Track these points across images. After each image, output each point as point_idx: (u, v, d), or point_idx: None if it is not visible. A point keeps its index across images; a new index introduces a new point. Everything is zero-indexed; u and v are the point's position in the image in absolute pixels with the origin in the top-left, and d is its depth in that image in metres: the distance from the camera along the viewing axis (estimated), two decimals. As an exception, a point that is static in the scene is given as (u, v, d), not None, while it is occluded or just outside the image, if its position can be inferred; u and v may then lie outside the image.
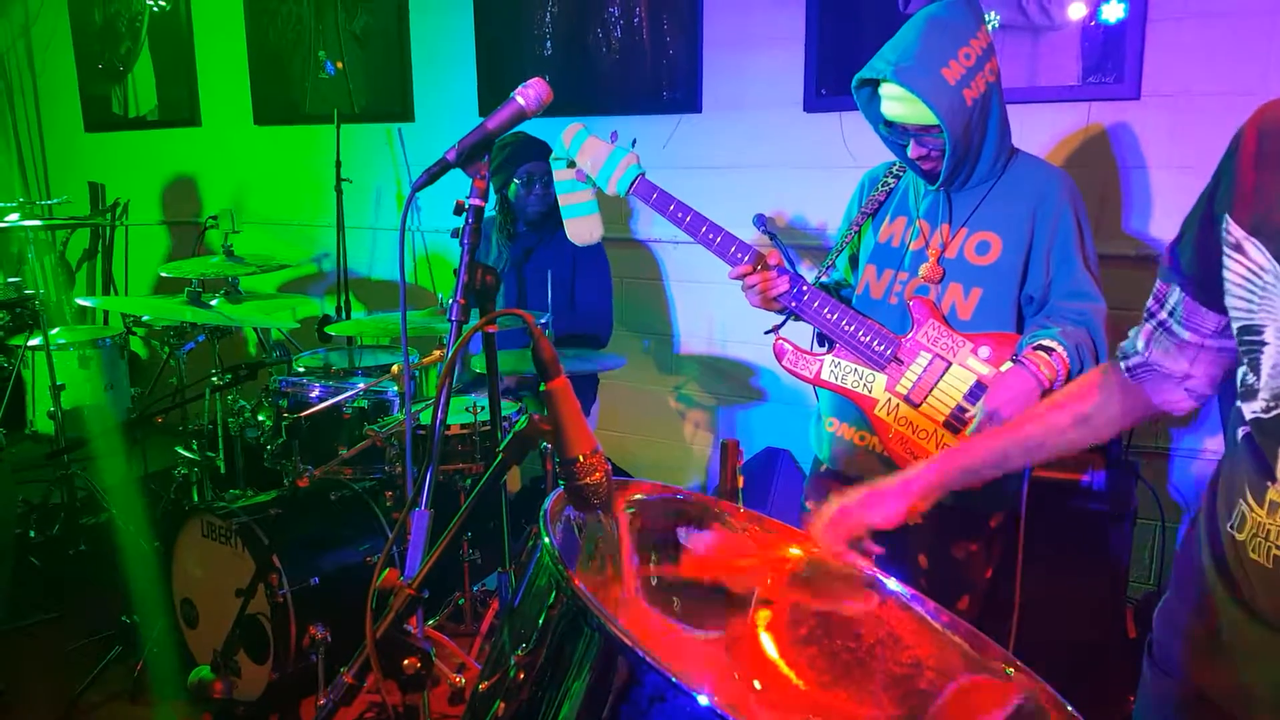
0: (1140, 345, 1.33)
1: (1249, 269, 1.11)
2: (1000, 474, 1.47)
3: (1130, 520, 2.73)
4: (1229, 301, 1.15)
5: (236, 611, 2.63)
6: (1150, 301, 1.30)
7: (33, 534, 3.89)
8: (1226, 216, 1.14)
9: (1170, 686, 1.28)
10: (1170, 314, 1.27)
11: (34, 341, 4.09)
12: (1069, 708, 1.25)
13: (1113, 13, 3.04)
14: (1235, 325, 1.15)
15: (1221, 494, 1.20)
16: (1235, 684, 1.19)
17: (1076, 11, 3.08)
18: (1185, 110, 3.01)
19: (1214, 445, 3.13)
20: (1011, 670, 1.32)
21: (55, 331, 4.28)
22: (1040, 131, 3.19)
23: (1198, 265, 1.21)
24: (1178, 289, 1.26)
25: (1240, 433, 1.16)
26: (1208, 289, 1.19)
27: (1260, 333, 1.11)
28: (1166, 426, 3.18)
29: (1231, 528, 1.16)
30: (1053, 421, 1.41)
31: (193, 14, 5.14)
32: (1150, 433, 3.18)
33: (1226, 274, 1.14)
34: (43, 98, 5.91)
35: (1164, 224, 3.10)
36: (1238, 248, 1.12)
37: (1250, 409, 1.13)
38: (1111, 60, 3.06)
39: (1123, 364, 1.35)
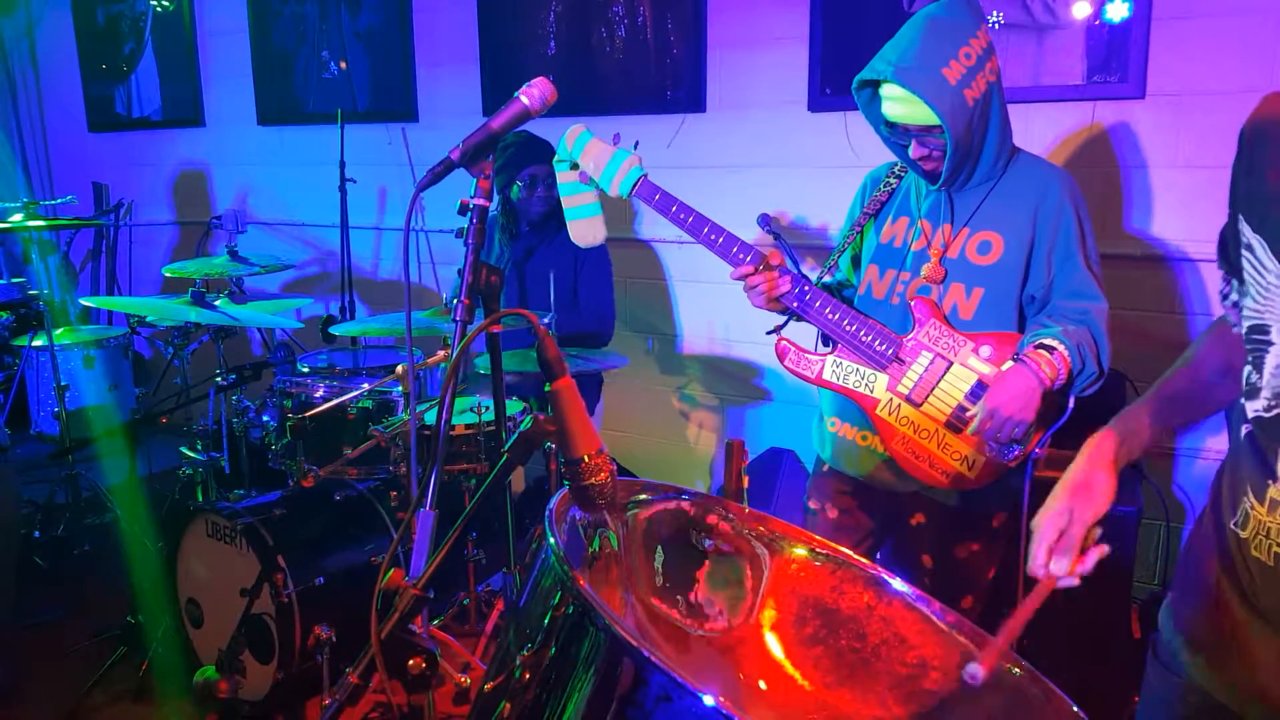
0: (1232, 318, 1.28)
1: (1257, 268, 1.10)
2: (1163, 436, 1.41)
3: (1135, 519, 2.73)
4: (1243, 300, 1.14)
5: (241, 611, 2.63)
6: (1221, 283, 1.27)
7: (37, 534, 3.90)
8: (1240, 216, 1.13)
9: (1175, 684, 1.28)
10: (1237, 293, 1.24)
11: (38, 342, 4.10)
12: (1074, 708, 1.25)
13: (1117, 12, 3.04)
14: (1245, 324, 1.15)
15: (1225, 492, 1.20)
16: (1240, 682, 1.19)
17: (1081, 10, 3.08)
18: (1190, 110, 3.00)
19: (1217, 445, 3.13)
20: (1017, 670, 1.32)
21: (59, 332, 4.29)
22: (1044, 131, 3.19)
23: (1232, 260, 1.20)
24: (1233, 278, 1.24)
25: (1243, 431, 1.16)
26: (1240, 279, 1.18)
27: (1267, 332, 1.11)
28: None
29: (1235, 525, 1.16)
30: (1200, 375, 1.38)
31: (196, 14, 5.15)
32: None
33: (1245, 273, 1.14)
34: (46, 98, 5.92)
35: (1167, 223, 3.10)
36: (1249, 247, 1.12)
37: (1253, 407, 1.13)
38: (1116, 59, 3.06)
39: (1234, 330, 1.29)
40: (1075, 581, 1.33)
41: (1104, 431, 1.40)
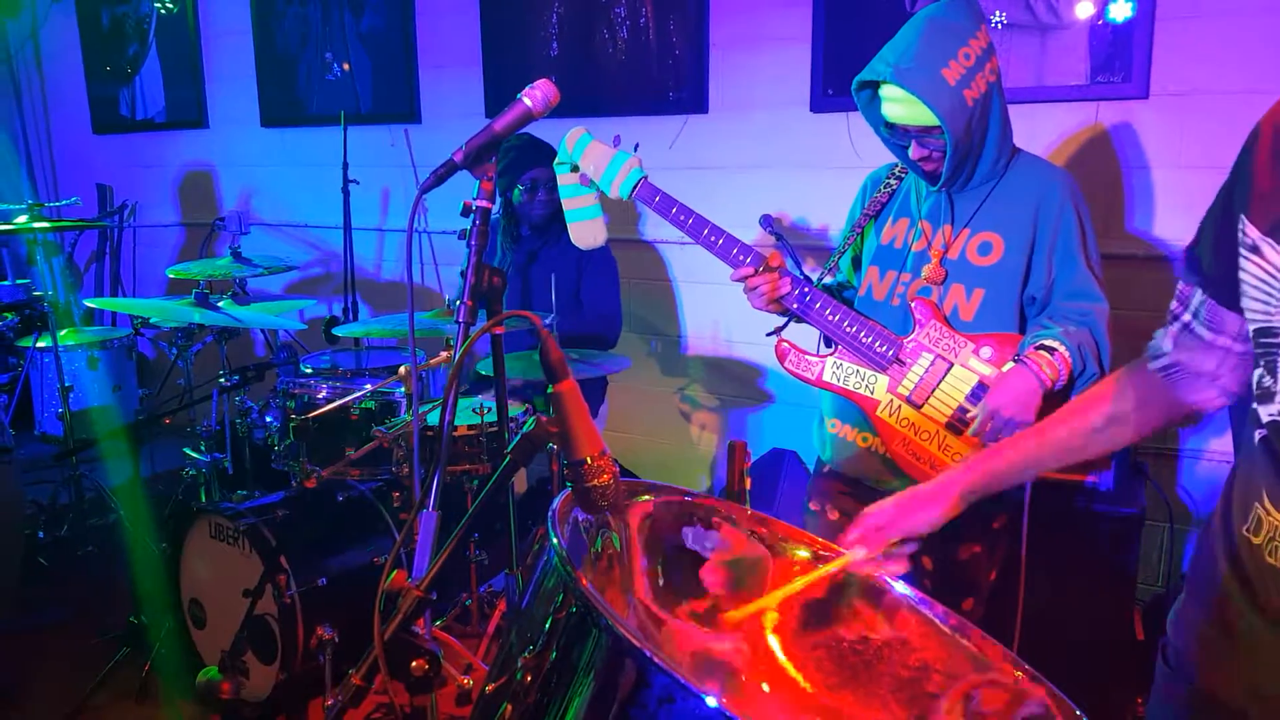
0: (1167, 346, 1.30)
1: (1266, 271, 1.09)
2: (1032, 478, 1.47)
3: (1138, 522, 2.72)
4: (1245, 303, 1.13)
5: (244, 612, 2.63)
6: (1174, 303, 1.28)
7: (41, 535, 3.91)
8: (1243, 217, 1.12)
9: (1184, 691, 1.27)
10: (1194, 315, 1.25)
11: (42, 343, 4.10)
12: (1076, 711, 1.25)
13: (1121, 11, 3.04)
14: (1251, 327, 1.14)
15: (1237, 497, 1.20)
16: (1251, 689, 1.18)
17: (1084, 10, 3.08)
18: (1194, 110, 3.00)
19: (1220, 446, 3.13)
20: (1020, 673, 1.32)
21: (63, 333, 4.29)
22: (1047, 131, 3.19)
23: (1217, 266, 1.18)
24: (1199, 290, 1.23)
25: (1257, 435, 1.15)
26: (1229, 290, 1.17)
27: (1278, 335, 1.09)
28: (1174, 428, 3.17)
29: (1247, 531, 1.16)
30: (1084, 422, 1.40)
31: (200, 16, 5.16)
32: (1158, 433, 3.17)
33: (1243, 275, 1.12)
34: (51, 99, 5.94)
35: (1170, 224, 3.10)
36: (1254, 249, 1.10)
37: (1268, 411, 1.12)
38: (1120, 59, 3.06)
39: (1152, 364, 1.33)
40: (868, 569, 1.47)
41: (966, 462, 1.50)
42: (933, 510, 1.45)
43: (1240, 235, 1.12)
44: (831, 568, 1.44)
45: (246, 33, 4.96)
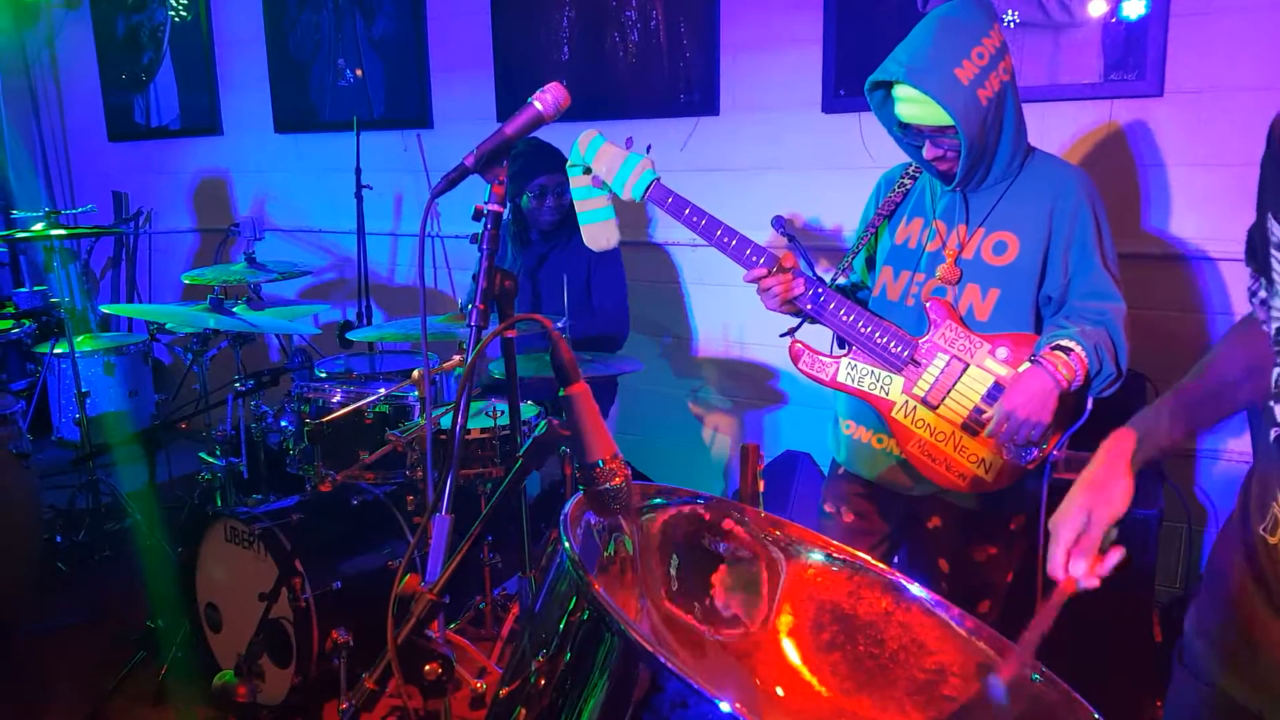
0: (1261, 315, 1.26)
1: None
2: (1189, 436, 1.38)
3: (1156, 522, 2.70)
4: (1273, 301, 1.12)
5: (260, 616, 2.64)
6: (1249, 280, 1.25)
7: (59, 539, 3.93)
8: (1270, 215, 1.11)
9: (1202, 692, 1.26)
10: (1268, 291, 1.21)
11: (59, 349, 4.13)
12: (1095, 714, 1.24)
13: (1134, 9, 3.02)
14: (1274, 325, 1.13)
15: (1254, 496, 1.19)
16: (1269, 690, 1.17)
17: (1097, 8, 3.06)
18: (1209, 107, 2.98)
19: (1239, 446, 3.10)
20: (1037, 676, 1.31)
21: (80, 339, 4.32)
22: (1061, 129, 3.17)
23: (1260, 259, 1.17)
24: (1261, 276, 1.21)
25: (1272, 434, 1.14)
26: (1270, 279, 1.16)
27: None
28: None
29: (1264, 530, 1.15)
30: (1225, 374, 1.35)
31: (213, 23, 5.19)
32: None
33: (1274, 274, 1.11)
34: (67, 108, 5.98)
35: (1186, 222, 3.07)
36: None
37: None
38: (1134, 57, 3.04)
39: (1264, 326, 1.26)
40: (1095, 583, 1.32)
41: (1122, 431, 1.38)
42: (1123, 484, 1.34)
43: (1270, 234, 1.11)
44: (1063, 597, 1.31)
45: (259, 39, 4.99)
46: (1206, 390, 1.37)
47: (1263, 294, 1.21)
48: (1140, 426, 1.38)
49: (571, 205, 2.41)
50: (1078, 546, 1.32)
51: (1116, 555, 1.32)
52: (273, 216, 5.23)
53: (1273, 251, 1.11)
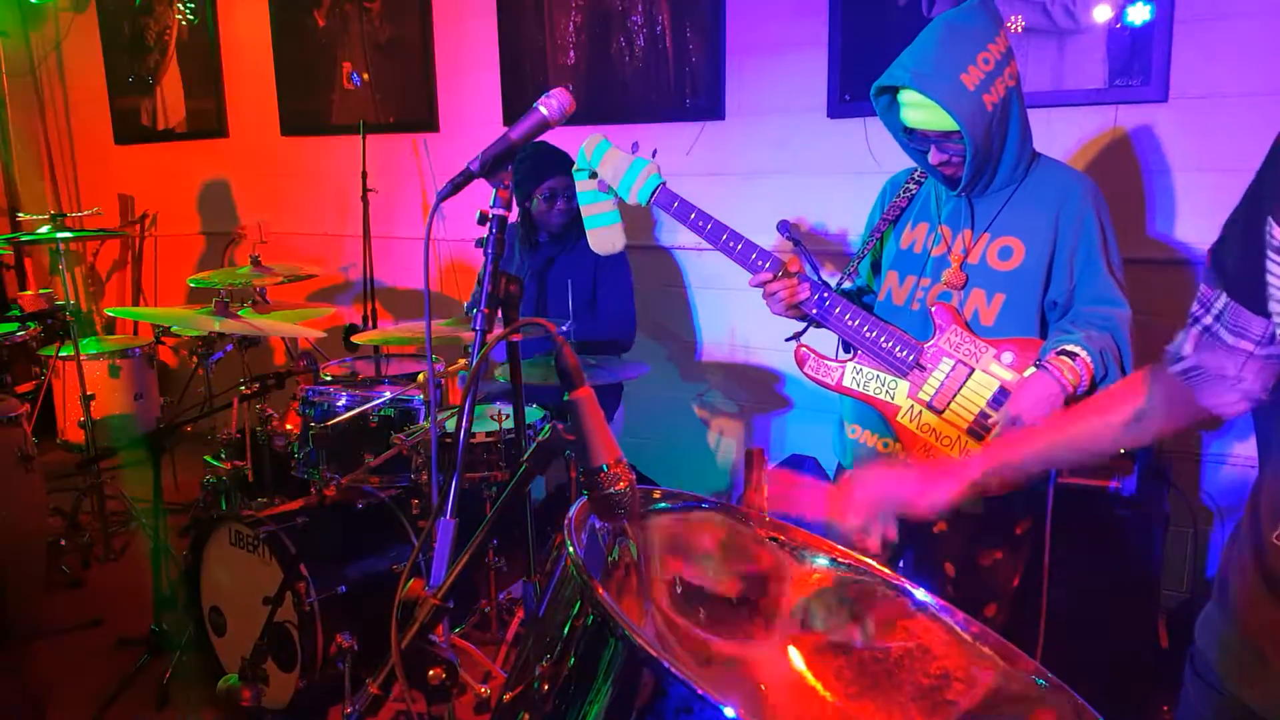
0: (1187, 349, 1.25)
1: None
2: (1044, 471, 1.44)
3: (1161, 527, 2.70)
4: (1272, 306, 1.11)
5: (264, 619, 2.64)
6: (1195, 306, 1.23)
7: (63, 542, 3.94)
8: (1270, 219, 1.10)
9: (1212, 698, 1.25)
10: (1216, 319, 1.21)
11: (65, 352, 4.14)
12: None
13: (1139, 14, 3.01)
14: (1279, 331, 1.12)
15: (1265, 501, 1.18)
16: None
17: (1102, 14, 3.06)
18: (1214, 112, 2.97)
19: (1244, 450, 3.09)
20: (1043, 681, 1.31)
21: (85, 342, 4.33)
22: (1066, 135, 3.17)
23: (1243, 269, 1.15)
24: (1223, 294, 1.20)
25: None
26: (1255, 293, 1.13)
27: None
28: (1196, 431, 3.14)
29: (1276, 538, 1.14)
30: (1101, 421, 1.37)
31: (220, 27, 5.20)
32: (1180, 437, 3.14)
33: (1270, 279, 1.10)
34: (73, 111, 6.00)
35: (1191, 228, 3.07)
36: None
37: None
38: (1138, 63, 3.04)
39: (1172, 367, 1.28)
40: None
41: (984, 453, 1.47)
42: (939, 492, 1.41)
43: (1268, 238, 1.10)
44: (821, 562, 1.41)
45: (266, 43, 5.00)
46: (1080, 430, 1.40)
47: (1206, 320, 1.20)
48: (1005, 454, 1.45)
49: (576, 208, 2.42)
50: (859, 507, 1.43)
51: (873, 543, 1.44)
52: (279, 219, 5.23)
53: (1270, 256, 1.10)
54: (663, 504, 1.42)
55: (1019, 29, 3.15)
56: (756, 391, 3.97)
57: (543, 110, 1.51)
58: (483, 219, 1.48)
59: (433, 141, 4.59)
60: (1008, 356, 2.08)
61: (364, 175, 4.44)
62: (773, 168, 3.76)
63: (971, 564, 2.24)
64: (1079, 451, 1.42)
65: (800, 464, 3.57)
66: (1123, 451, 2.54)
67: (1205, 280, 1.22)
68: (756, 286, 2.22)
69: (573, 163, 2.27)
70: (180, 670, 3.00)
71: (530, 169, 3.34)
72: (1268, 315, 1.12)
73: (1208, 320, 1.21)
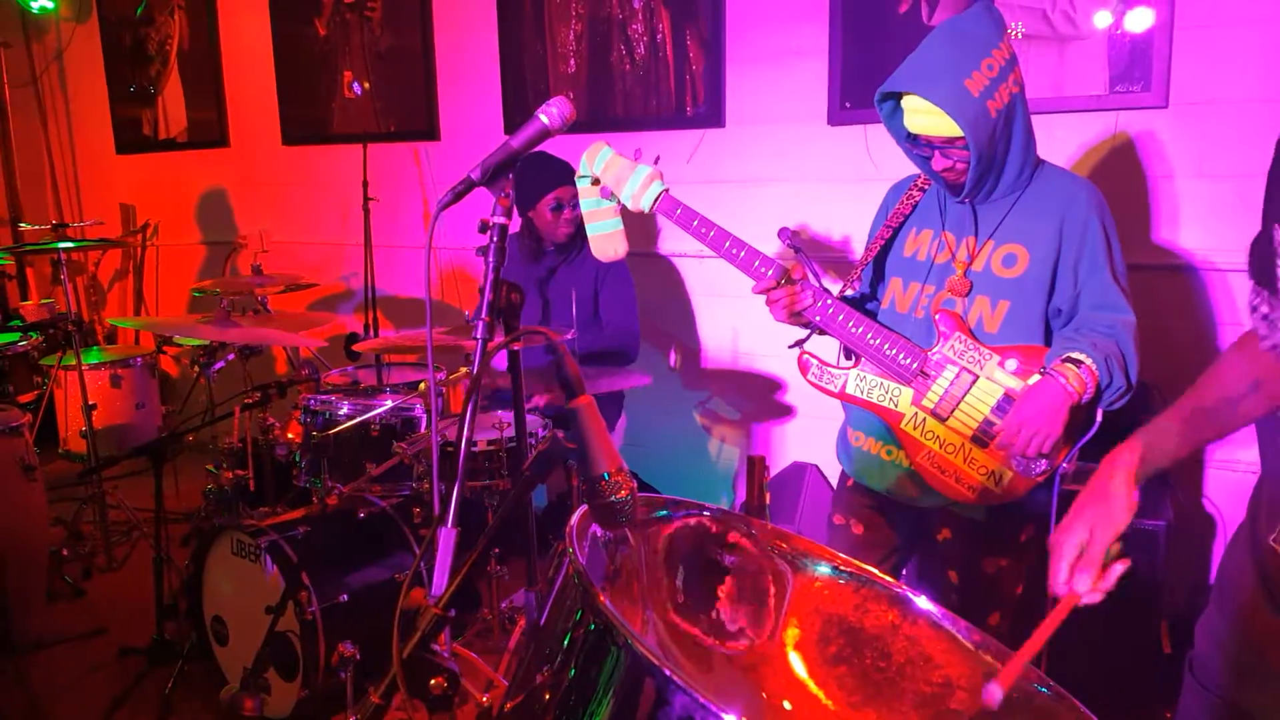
0: (1264, 331, 1.24)
1: None
2: (1194, 449, 1.38)
3: (1164, 533, 2.69)
4: (1276, 314, 1.12)
5: (266, 629, 2.64)
6: (1250, 295, 1.24)
7: (65, 551, 3.94)
8: (1275, 226, 1.11)
9: (1212, 703, 1.25)
10: (1270, 307, 1.21)
11: (67, 362, 4.14)
12: (1104, 727, 1.23)
13: (1139, 21, 3.02)
14: None
15: (1264, 506, 1.18)
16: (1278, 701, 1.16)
17: (1102, 20, 3.06)
18: (1214, 118, 2.98)
19: (1247, 457, 3.08)
20: (1046, 689, 1.30)
21: (87, 351, 4.33)
22: (1067, 141, 3.17)
23: (1263, 270, 1.16)
24: (1263, 289, 1.20)
25: None
26: (1274, 290, 1.15)
27: None
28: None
29: (1275, 541, 1.14)
30: (1225, 391, 1.33)
31: (221, 36, 5.22)
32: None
33: (1278, 284, 1.11)
34: (75, 120, 6.01)
35: (1194, 234, 3.07)
36: None
37: None
38: (1139, 69, 3.04)
39: (1262, 343, 1.26)
40: (1098, 598, 1.31)
41: (1127, 443, 1.38)
42: (1125, 497, 1.34)
43: (1275, 245, 1.11)
44: (1064, 612, 1.31)
45: (267, 53, 5.01)
46: (1208, 407, 1.36)
47: (1264, 309, 1.20)
48: (1145, 439, 1.37)
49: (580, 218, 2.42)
50: (1080, 562, 1.31)
51: (1120, 569, 1.31)
52: (280, 228, 5.24)
53: (1277, 262, 1.10)
54: (664, 512, 1.41)
55: (1020, 35, 3.15)
56: (758, 399, 3.96)
57: (543, 119, 1.51)
58: (484, 227, 1.48)
59: (434, 150, 4.59)
60: (1012, 364, 2.07)
61: (365, 184, 4.45)
62: (773, 175, 3.76)
63: (975, 572, 2.23)
64: (1221, 424, 1.36)
65: (802, 471, 3.57)
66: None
67: (1249, 272, 1.22)
68: (759, 293, 2.22)
69: (575, 172, 2.28)
70: (182, 680, 2.99)
71: (535, 179, 3.34)
72: None
73: (1265, 309, 1.20)
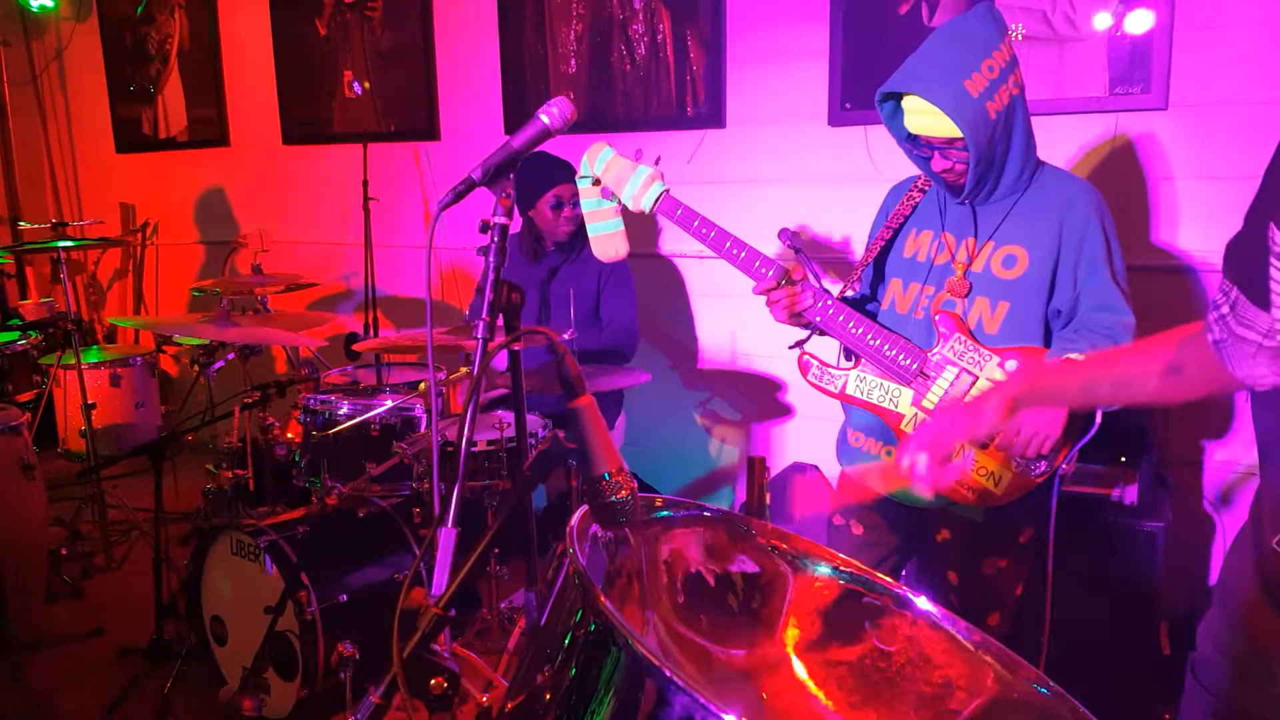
0: (1214, 329, 1.26)
1: None
2: (1083, 404, 1.45)
3: (1163, 535, 2.69)
4: (1274, 312, 1.12)
5: (266, 629, 2.64)
6: (1217, 293, 1.24)
7: (64, 551, 3.94)
8: (1271, 225, 1.11)
9: (1214, 705, 1.25)
10: (1231, 308, 1.22)
11: (66, 361, 4.14)
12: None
13: (1139, 23, 3.02)
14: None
15: (1267, 510, 1.18)
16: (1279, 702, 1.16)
17: (1102, 22, 3.07)
18: (1214, 120, 2.98)
19: (1247, 458, 3.09)
20: (1045, 690, 1.30)
21: (87, 351, 4.33)
22: (1067, 142, 3.17)
23: (1249, 266, 1.17)
24: (1235, 287, 1.21)
25: None
26: (1259, 291, 1.15)
27: None
28: (1199, 439, 3.14)
29: (1277, 544, 1.14)
30: (1144, 364, 1.36)
31: (221, 36, 5.22)
32: (1182, 445, 3.14)
33: (1272, 284, 1.11)
34: (75, 120, 6.01)
35: (1193, 235, 3.07)
36: None
37: None
38: (1139, 70, 3.04)
39: (1207, 334, 1.27)
40: (926, 491, 1.47)
41: (1019, 374, 1.48)
42: (988, 417, 1.44)
43: (1270, 243, 1.11)
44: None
45: (268, 52, 5.01)
46: (1120, 372, 1.41)
47: (1225, 309, 1.21)
48: (1043, 375, 1.51)
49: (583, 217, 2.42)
50: (932, 444, 1.45)
51: (955, 474, 1.45)
52: (280, 228, 5.24)
53: (1273, 261, 1.10)
54: (665, 512, 1.42)
55: (1020, 37, 3.15)
56: (758, 399, 3.96)
57: (544, 119, 1.51)
58: (485, 227, 1.48)
59: (434, 150, 4.59)
60: (1012, 365, 2.07)
61: (365, 184, 4.45)
62: (774, 176, 3.76)
63: (974, 572, 2.23)
64: (1118, 389, 1.42)
65: (802, 472, 3.57)
66: (1120, 462, 2.53)
67: (1224, 271, 1.23)
68: (760, 294, 2.22)
69: (576, 171, 2.28)
70: (181, 680, 2.99)
71: (535, 177, 3.34)
72: (1269, 311, 1.13)
73: (1224, 309, 1.22)
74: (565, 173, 3.32)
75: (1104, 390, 1.43)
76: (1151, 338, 1.42)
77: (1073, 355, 1.99)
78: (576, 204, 3.34)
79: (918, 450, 1.45)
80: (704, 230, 2.25)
